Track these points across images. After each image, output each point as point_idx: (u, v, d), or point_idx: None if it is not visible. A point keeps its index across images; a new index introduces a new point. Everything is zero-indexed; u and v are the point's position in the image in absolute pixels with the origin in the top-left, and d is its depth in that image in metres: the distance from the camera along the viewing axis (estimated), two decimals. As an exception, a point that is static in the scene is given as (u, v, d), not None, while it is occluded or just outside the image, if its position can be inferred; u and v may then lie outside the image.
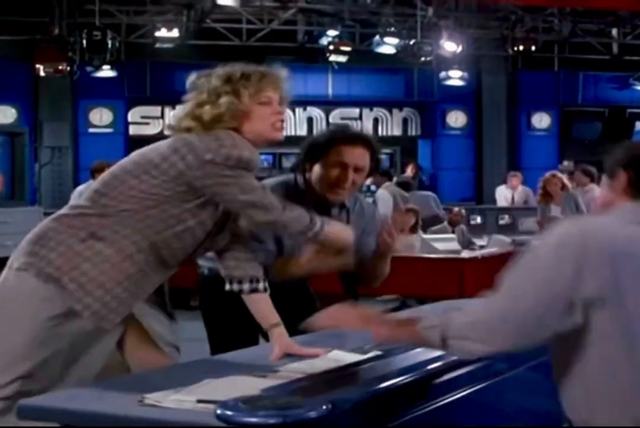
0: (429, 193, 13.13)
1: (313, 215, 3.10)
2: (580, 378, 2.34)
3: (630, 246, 2.28)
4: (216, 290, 3.40)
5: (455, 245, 9.16)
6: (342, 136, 3.66)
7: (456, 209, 11.36)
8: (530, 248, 2.39)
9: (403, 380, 2.56)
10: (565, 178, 9.95)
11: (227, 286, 3.23)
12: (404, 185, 12.40)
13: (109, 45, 13.66)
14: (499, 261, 8.94)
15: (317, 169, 3.64)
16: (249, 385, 2.51)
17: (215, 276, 3.45)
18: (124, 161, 3.09)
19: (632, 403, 2.26)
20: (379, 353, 2.94)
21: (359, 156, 3.63)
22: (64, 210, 3.10)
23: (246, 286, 3.21)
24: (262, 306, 3.22)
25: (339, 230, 3.20)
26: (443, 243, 9.08)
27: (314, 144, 3.70)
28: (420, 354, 2.90)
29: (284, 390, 2.47)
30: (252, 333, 3.54)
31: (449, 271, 8.38)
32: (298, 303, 3.75)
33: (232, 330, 3.70)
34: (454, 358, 2.73)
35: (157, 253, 3.02)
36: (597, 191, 11.42)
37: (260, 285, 3.23)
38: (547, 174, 10.35)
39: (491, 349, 2.34)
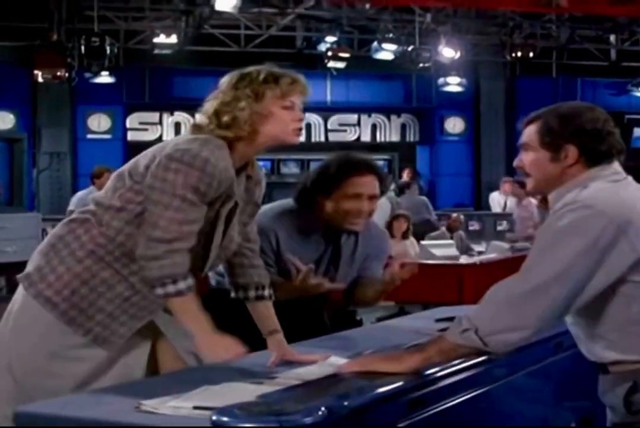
0: (422, 198, 13.15)
1: (185, 278, 2.81)
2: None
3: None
4: (222, 302, 3.37)
5: (453, 251, 9.18)
6: (352, 167, 3.63)
7: (454, 215, 11.39)
8: (549, 229, 2.54)
9: (400, 386, 2.55)
10: None
11: (233, 294, 3.21)
12: (397, 190, 12.41)
13: (108, 51, 13.67)
14: (498, 267, 9.04)
15: (330, 202, 3.63)
16: (246, 392, 2.51)
17: (221, 288, 3.46)
18: (121, 168, 3.04)
19: None
20: (376, 359, 2.93)
21: (371, 185, 3.65)
22: (75, 214, 3.07)
23: (251, 293, 3.20)
24: (264, 313, 3.20)
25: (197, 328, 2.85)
26: (441, 249, 9.09)
27: (323, 177, 3.65)
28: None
29: (280, 396, 2.46)
30: (258, 346, 3.54)
31: (448, 278, 8.39)
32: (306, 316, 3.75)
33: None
34: (449, 364, 2.73)
35: None
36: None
37: (266, 292, 3.21)
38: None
39: (526, 333, 2.47)
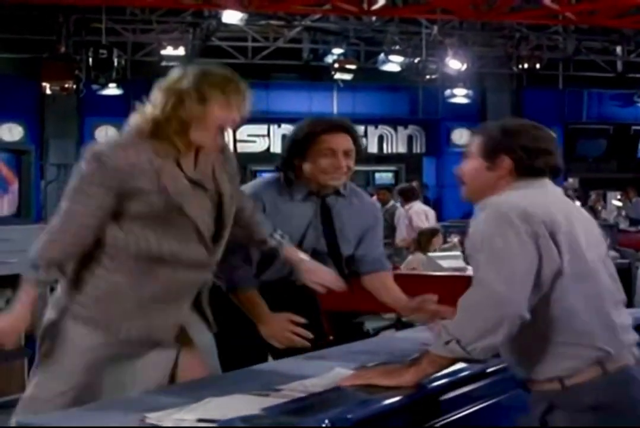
0: (426, 207, 13.09)
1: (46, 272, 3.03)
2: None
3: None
4: (227, 307, 3.49)
5: (460, 263, 9.12)
6: (321, 126, 3.70)
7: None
8: (479, 235, 2.60)
9: (405, 398, 2.56)
10: None
11: (265, 244, 3.38)
12: (406, 193, 12.32)
13: (115, 64, 13.72)
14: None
15: (307, 162, 3.68)
16: (250, 404, 2.51)
17: (225, 293, 3.56)
18: None
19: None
20: (381, 372, 2.93)
21: (343, 141, 3.70)
22: None
23: (273, 242, 3.38)
24: (289, 251, 3.40)
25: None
26: (448, 261, 9.04)
27: (296, 140, 3.73)
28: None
29: (285, 409, 2.46)
30: (261, 350, 3.56)
31: (455, 289, 8.34)
32: (302, 306, 3.75)
33: (241, 347, 3.70)
34: (458, 376, 2.73)
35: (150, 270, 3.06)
36: (418, 205, 11.45)
37: (278, 237, 3.40)
38: None
39: (503, 336, 2.51)
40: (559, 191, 2.84)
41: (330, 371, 2.98)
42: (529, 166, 2.73)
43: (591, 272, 2.63)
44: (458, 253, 9.76)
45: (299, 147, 3.69)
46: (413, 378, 2.66)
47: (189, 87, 2.99)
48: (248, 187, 3.72)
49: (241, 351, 3.66)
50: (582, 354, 2.58)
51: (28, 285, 3.01)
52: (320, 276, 3.36)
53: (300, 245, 3.64)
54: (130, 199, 2.99)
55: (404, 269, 9.46)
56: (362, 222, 3.89)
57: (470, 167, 2.80)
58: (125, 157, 2.95)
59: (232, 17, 12.82)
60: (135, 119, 3.09)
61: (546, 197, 2.71)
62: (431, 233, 9.95)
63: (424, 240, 9.81)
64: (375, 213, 4.04)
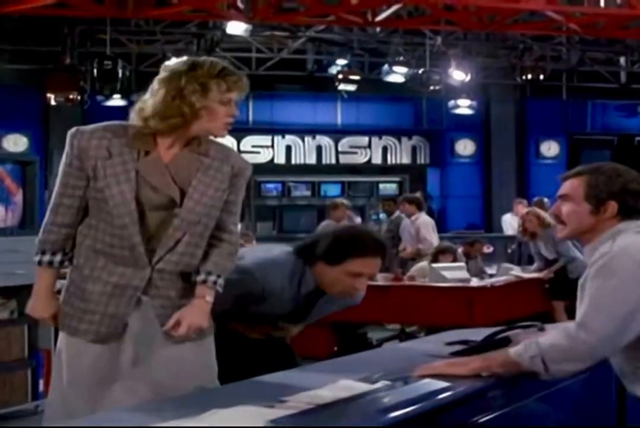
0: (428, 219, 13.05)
1: (45, 253, 3.21)
2: None
3: None
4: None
5: (464, 274, 9.12)
6: (369, 248, 3.60)
7: (478, 244, 11.16)
8: (604, 272, 2.83)
9: (412, 411, 2.54)
10: (542, 213, 9.71)
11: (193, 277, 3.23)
12: (417, 203, 12.28)
13: (120, 75, 13.73)
14: (508, 290, 8.97)
15: (332, 271, 3.59)
16: (256, 416, 2.49)
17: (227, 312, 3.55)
18: None
19: None
20: (387, 383, 2.92)
21: (377, 266, 3.66)
22: None
23: (199, 277, 3.21)
24: (199, 288, 3.22)
25: None
26: (452, 272, 9.05)
27: (334, 249, 3.60)
28: (429, 384, 2.89)
29: (291, 421, 2.45)
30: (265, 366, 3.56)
31: (459, 300, 8.34)
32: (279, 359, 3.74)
33: (243, 363, 3.67)
34: (462, 388, 2.72)
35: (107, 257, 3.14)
36: (424, 217, 11.49)
37: (211, 278, 3.22)
38: (523, 212, 10.31)
39: (584, 366, 2.83)
40: None
41: (335, 383, 2.97)
42: (632, 208, 2.98)
43: None
44: (462, 264, 9.77)
45: (335, 256, 3.58)
46: (479, 369, 2.91)
47: (189, 77, 3.02)
48: (267, 267, 3.62)
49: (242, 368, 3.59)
50: None
51: (38, 270, 3.20)
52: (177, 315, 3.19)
53: (269, 315, 3.66)
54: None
55: (407, 277, 9.52)
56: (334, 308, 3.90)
57: (573, 210, 3.01)
58: (88, 138, 3.13)
59: (236, 28, 12.84)
60: (135, 109, 3.15)
61: None
62: (440, 251, 9.96)
63: (433, 256, 9.85)
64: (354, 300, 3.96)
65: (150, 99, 3.06)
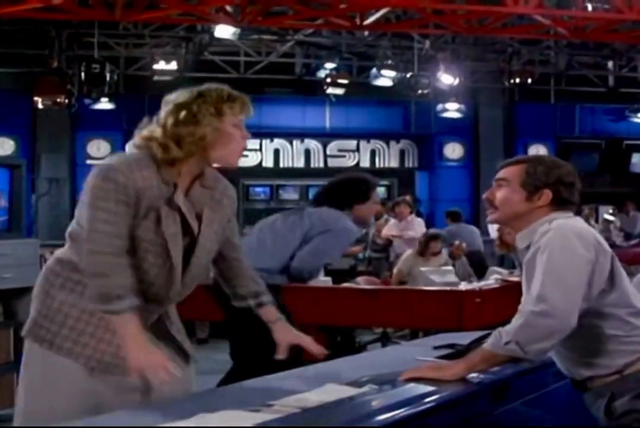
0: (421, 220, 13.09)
1: (130, 297, 2.91)
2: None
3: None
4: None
5: (452, 278, 9.13)
6: (374, 182, 5.34)
7: (457, 242, 11.25)
8: (550, 248, 2.91)
9: (397, 415, 2.54)
10: None
11: (233, 302, 3.41)
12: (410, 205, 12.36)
13: (108, 78, 13.71)
14: (497, 293, 8.94)
15: (365, 206, 5.21)
16: (243, 420, 2.49)
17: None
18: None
19: None
20: (374, 387, 2.91)
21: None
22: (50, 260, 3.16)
23: (251, 302, 3.39)
24: (265, 312, 3.41)
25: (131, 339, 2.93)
26: (440, 276, 9.05)
27: (360, 187, 5.22)
28: (415, 389, 2.89)
29: (276, 425, 2.44)
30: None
31: (447, 304, 8.33)
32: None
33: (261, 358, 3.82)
34: (448, 393, 2.72)
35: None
36: (418, 219, 11.53)
37: (265, 298, 3.40)
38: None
39: (556, 341, 2.88)
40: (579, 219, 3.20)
41: (321, 387, 2.96)
42: (565, 199, 3.11)
43: (623, 282, 3.02)
44: (450, 267, 9.78)
45: (361, 193, 5.18)
46: (463, 372, 2.99)
47: (200, 103, 3.01)
48: (345, 224, 5.16)
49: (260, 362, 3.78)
50: (636, 348, 2.96)
51: (120, 319, 2.91)
52: (290, 338, 3.38)
53: None
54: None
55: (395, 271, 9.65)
56: None
57: (507, 195, 3.11)
58: (141, 177, 2.94)
59: (224, 31, 12.82)
60: (141, 138, 3.05)
61: (586, 225, 3.09)
62: (432, 237, 10.02)
63: (423, 242, 9.93)
64: None
65: (158, 128, 3.01)
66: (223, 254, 3.32)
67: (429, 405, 2.66)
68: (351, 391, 2.87)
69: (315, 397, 2.81)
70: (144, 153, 2.98)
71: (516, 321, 2.89)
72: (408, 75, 15.45)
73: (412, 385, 2.87)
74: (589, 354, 2.99)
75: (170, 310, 3.26)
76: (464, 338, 3.88)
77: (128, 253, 2.95)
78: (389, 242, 11.97)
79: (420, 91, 15.58)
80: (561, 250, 2.90)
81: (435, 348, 3.78)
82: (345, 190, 5.20)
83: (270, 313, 3.40)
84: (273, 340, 3.33)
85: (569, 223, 3.02)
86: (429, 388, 2.80)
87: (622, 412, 2.93)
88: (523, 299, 2.97)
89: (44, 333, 3.06)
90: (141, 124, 3.09)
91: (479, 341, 3.70)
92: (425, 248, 9.88)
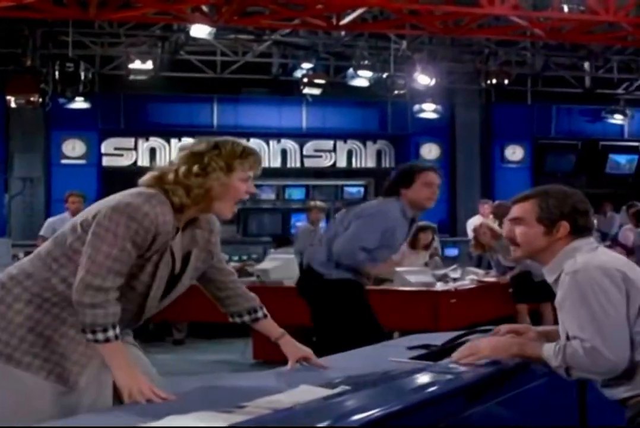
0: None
1: (114, 327, 2.99)
2: None
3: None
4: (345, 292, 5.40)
5: (429, 278, 9.12)
6: (422, 165, 5.84)
7: (421, 233, 11.18)
8: (582, 290, 3.04)
9: (369, 415, 2.51)
10: (494, 225, 9.74)
11: (230, 319, 3.51)
12: None
13: (82, 77, 13.62)
14: (473, 294, 8.96)
15: (411, 190, 5.50)
16: (214, 421, 2.46)
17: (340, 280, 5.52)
18: (78, 216, 3.16)
19: None
20: (347, 387, 2.89)
21: (436, 176, 5.58)
22: (12, 270, 3.17)
23: (246, 318, 3.50)
24: (265, 326, 3.54)
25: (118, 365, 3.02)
26: (417, 276, 9.03)
27: (405, 174, 5.56)
28: (388, 389, 2.86)
29: (246, 427, 2.41)
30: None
31: (423, 304, 8.33)
32: None
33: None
34: (420, 394, 2.69)
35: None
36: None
37: (259, 314, 3.52)
38: (476, 224, 10.33)
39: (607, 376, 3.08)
40: (601, 247, 3.32)
41: (295, 387, 2.94)
42: (582, 227, 3.21)
43: None
44: (426, 268, 9.77)
45: (408, 179, 5.50)
46: (515, 355, 3.22)
47: (213, 155, 3.11)
48: (381, 207, 5.61)
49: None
50: None
51: (110, 347, 2.99)
52: (300, 353, 3.49)
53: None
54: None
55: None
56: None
57: (526, 232, 3.23)
58: (163, 223, 3.04)
59: (200, 31, 12.77)
60: (152, 178, 3.14)
61: (604, 255, 3.18)
62: (421, 228, 10.01)
63: (412, 234, 9.90)
64: None
65: (171, 173, 3.11)
66: (210, 278, 3.46)
67: (401, 406, 2.63)
68: (324, 392, 2.85)
69: (288, 398, 2.80)
70: (163, 197, 3.06)
71: (574, 356, 3.03)
72: (384, 75, 15.44)
73: (384, 386, 2.85)
74: (622, 377, 3.09)
75: None
76: (438, 338, 3.87)
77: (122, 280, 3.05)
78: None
79: (396, 92, 15.58)
80: (593, 295, 3.01)
81: (409, 348, 3.77)
82: (392, 179, 5.66)
83: (270, 328, 3.53)
84: (356, 317, 3.73)
85: (593, 258, 3.11)
86: (402, 390, 2.78)
87: None
88: (570, 335, 3.08)
89: (1, 347, 3.06)
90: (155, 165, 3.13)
91: (452, 342, 3.70)
92: (415, 240, 9.87)
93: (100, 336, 2.96)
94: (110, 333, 2.96)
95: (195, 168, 3.08)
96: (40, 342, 3.06)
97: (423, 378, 3.05)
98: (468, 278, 9.53)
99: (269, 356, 3.46)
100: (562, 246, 3.17)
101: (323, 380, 3.05)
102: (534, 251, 3.23)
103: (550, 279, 3.23)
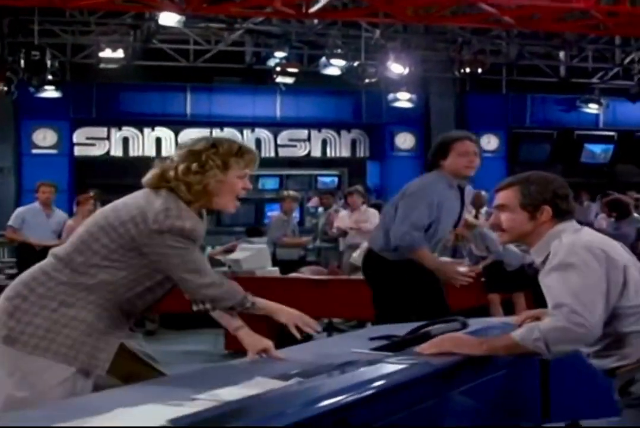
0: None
1: (246, 294, 3.44)
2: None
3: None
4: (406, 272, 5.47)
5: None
6: (455, 136, 5.69)
7: None
8: (566, 265, 3.19)
9: (322, 408, 2.46)
10: (470, 216, 9.74)
11: (194, 307, 3.55)
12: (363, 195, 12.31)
13: (49, 65, 13.47)
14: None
15: (449, 160, 5.50)
16: (160, 415, 2.41)
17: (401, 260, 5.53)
18: (90, 223, 3.40)
19: None
20: (300, 380, 2.84)
21: (473, 145, 5.57)
22: (33, 273, 3.40)
23: (209, 306, 3.52)
24: (224, 316, 3.59)
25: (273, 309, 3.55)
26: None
27: (440, 146, 5.58)
28: (343, 380, 2.82)
29: (193, 420, 2.35)
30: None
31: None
32: None
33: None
34: (370, 386, 2.64)
35: (122, 310, 3.39)
36: (372, 212, 11.64)
37: None
38: None
39: (585, 345, 3.20)
40: (586, 228, 3.46)
41: (250, 380, 2.89)
42: (565, 210, 3.36)
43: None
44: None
45: (443, 149, 5.53)
46: (484, 353, 3.24)
47: (210, 154, 3.34)
48: (421, 183, 5.65)
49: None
50: None
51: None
52: (261, 345, 3.54)
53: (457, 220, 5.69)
54: None
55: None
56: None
57: (511, 218, 3.38)
58: (199, 222, 3.36)
59: (169, 19, 12.64)
60: (153, 176, 3.37)
61: (593, 236, 3.33)
62: None
63: None
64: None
65: (172, 170, 3.33)
66: None
67: (354, 398, 2.57)
68: (276, 384, 2.81)
69: (240, 390, 2.75)
70: (174, 196, 3.32)
71: (551, 323, 3.14)
72: (355, 64, 15.33)
73: (339, 377, 2.81)
74: (611, 348, 3.24)
75: None
76: (401, 329, 3.83)
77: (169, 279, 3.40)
78: (344, 234, 11.87)
79: (367, 80, 15.47)
80: (578, 267, 3.16)
81: (372, 339, 3.72)
82: (430, 153, 5.70)
83: (229, 319, 3.58)
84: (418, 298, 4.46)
85: (578, 238, 3.27)
86: (356, 381, 2.72)
87: (638, 396, 3.19)
88: (551, 306, 3.19)
89: (17, 334, 3.29)
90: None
91: (414, 333, 3.66)
92: None
93: (248, 304, 3.43)
94: (248, 304, 3.42)
95: (194, 166, 3.30)
96: (80, 338, 3.31)
97: (379, 369, 3.00)
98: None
99: (240, 346, 3.44)
100: (547, 229, 3.32)
101: (279, 372, 3.00)
102: (521, 236, 3.39)
103: (538, 260, 3.37)
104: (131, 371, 3.45)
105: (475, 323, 3.87)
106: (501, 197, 3.41)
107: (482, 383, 3.38)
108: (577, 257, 3.17)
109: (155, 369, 3.55)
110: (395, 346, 3.53)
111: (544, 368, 3.87)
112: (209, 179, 3.31)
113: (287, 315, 3.54)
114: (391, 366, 3.01)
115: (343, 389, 2.62)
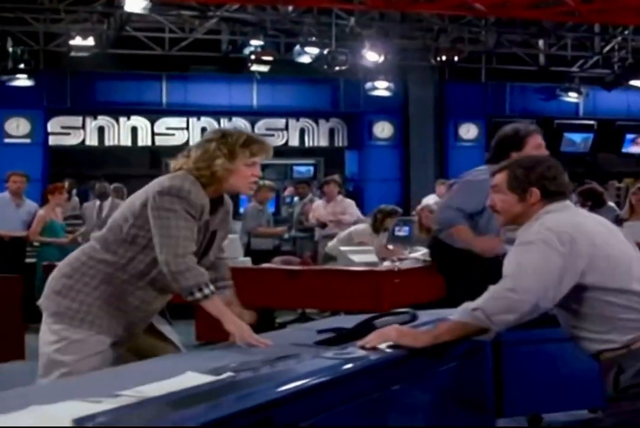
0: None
1: (207, 285, 3.53)
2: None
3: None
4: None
5: (372, 258, 8.99)
6: (531, 129, 5.52)
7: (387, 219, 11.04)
8: (522, 242, 3.28)
9: (245, 403, 2.35)
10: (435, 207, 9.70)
11: (189, 297, 3.60)
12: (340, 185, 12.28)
13: (11, 52, 13.29)
14: (416, 274, 8.80)
15: (524, 153, 5.16)
16: (73, 412, 2.31)
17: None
18: (123, 205, 3.77)
19: None
20: (231, 374, 2.73)
21: (541, 138, 5.46)
22: (77, 254, 3.75)
23: (199, 295, 3.59)
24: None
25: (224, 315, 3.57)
26: (360, 256, 8.92)
27: (515, 137, 5.40)
28: (277, 375, 2.72)
29: (111, 416, 2.27)
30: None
31: (365, 284, 8.21)
32: None
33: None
34: (305, 381, 2.53)
35: (155, 287, 3.68)
36: (348, 202, 11.61)
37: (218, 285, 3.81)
38: (418, 208, 10.27)
39: (522, 315, 3.15)
40: (581, 210, 3.63)
41: (182, 374, 2.78)
42: (554, 191, 3.41)
43: (622, 264, 3.26)
44: (370, 247, 9.63)
45: (519, 141, 5.37)
46: (429, 341, 3.22)
47: (219, 144, 3.62)
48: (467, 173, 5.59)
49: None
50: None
51: (207, 303, 3.54)
52: (242, 329, 3.60)
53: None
54: None
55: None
56: None
57: (502, 200, 3.47)
58: (197, 189, 3.58)
59: (134, 5, 12.45)
60: (174, 167, 3.69)
61: (576, 219, 3.35)
62: (389, 213, 9.91)
63: (380, 218, 9.83)
64: None
65: (185, 157, 3.66)
66: None
67: (282, 394, 2.46)
68: (206, 379, 2.72)
69: (165, 386, 2.64)
70: (192, 177, 3.59)
71: (486, 294, 3.19)
72: (325, 51, 15.16)
73: (271, 371, 2.71)
74: (596, 332, 3.25)
75: None
76: (352, 321, 3.73)
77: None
78: (323, 225, 11.75)
79: (338, 68, 15.22)
80: (532, 243, 3.21)
81: (319, 332, 3.62)
82: (498, 143, 5.53)
83: (213, 306, 3.61)
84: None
85: (554, 218, 3.32)
86: (288, 376, 2.62)
87: (625, 385, 3.17)
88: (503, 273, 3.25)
89: (64, 309, 3.64)
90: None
91: (362, 325, 3.55)
92: (380, 225, 9.82)
93: (198, 295, 3.48)
94: (207, 291, 3.50)
95: (202, 154, 3.60)
96: (110, 310, 3.65)
97: (316, 364, 2.88)
98: (413, 255, 9.40)
99: (211, 337, 3.40)
100: (537, 211, 3.39)
101: (213, 365, 2.89)
102: (514, 217, 3.46)
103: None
104: (153, 344, 3.80)
105: (425, 314, 3.77)
106: (495, 180, 3.53)
107: (429, 376, 3.29)
108: (538, 236, 3.23)
109: (173, 344, 3.83)
110: (339, 339, 3.43)
111: (497, 360, 3.79)
112: (216, 166, 3.59)
113: (234, 329, 3.54)
114: (326, 361, 2.90)
115: (269, 386, 2.52)
